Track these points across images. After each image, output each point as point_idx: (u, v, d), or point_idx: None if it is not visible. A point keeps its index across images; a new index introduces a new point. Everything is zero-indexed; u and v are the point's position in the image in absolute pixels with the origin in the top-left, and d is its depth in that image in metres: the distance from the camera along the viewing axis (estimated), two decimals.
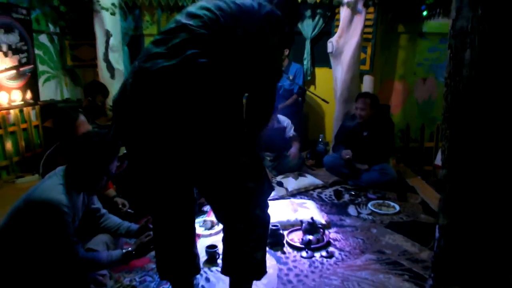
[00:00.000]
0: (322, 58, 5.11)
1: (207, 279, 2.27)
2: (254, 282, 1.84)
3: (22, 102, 4.38)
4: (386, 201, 3.40)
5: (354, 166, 3.88)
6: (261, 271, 1.80)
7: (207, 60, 1.49)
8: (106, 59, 4.61)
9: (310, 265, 2.42)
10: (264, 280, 2.01)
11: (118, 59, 4.72)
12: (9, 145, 4.25)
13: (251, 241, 1.70)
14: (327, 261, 2.47)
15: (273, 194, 3.49)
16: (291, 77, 4.65)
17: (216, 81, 1.50)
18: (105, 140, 1.88)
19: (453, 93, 1.51)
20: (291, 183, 3.77)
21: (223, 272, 1.80)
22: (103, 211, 2.24)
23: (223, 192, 1.65)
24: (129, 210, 2.63)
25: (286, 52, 4.72)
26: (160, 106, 1.48)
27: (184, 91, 1.47)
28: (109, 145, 1.89)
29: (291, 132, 4.16)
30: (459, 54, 1.48)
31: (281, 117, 4.18)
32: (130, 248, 1.99)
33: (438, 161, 3.96)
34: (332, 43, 4.41)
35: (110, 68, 4.65)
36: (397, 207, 3.28)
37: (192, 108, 1.47)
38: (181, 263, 1.85)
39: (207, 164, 1.58)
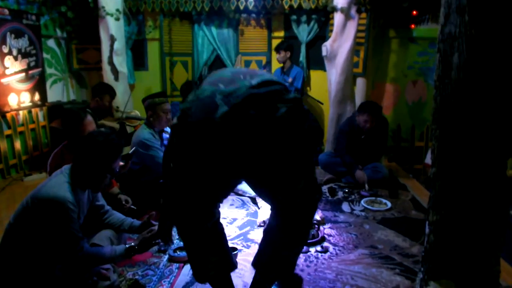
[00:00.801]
0: (317, 62, 5.10)
1: None
2: None
3: (31, 104, 4.37)
4: (378, 198, 3.40)
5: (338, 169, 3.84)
6: (291, 273, 1.83)
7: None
8: (111, 62, 4.59)
9: (305, 260, 2.42)
10: None
11: (122, 62, 4.70)
12: (18, 144, 4.25)
13: (293, 247, 1.76)
14: (322, 255, 2.47)
15: None
16: (290, 80, 4.64)
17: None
18: (109, 139, 1.88)
19: (442, 95, 1.51)
20: None
21: (254, 265, 1.83)
22: (107, 207, 2.23)
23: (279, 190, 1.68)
24: (132, 207, 2.62)
25: (288, 54, 4.72)
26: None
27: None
28: (113, 144, 1.88)
29: None
30: (447, 58, 1.48)
31: None
32: (133, 243, 1.98)
33: (428, 160, 3.97)
34: (326, 47, 4.40)
35: (114, 71, 4.64)
36: (389, 204, 3.28)
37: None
38: (220, 261, 1.82)
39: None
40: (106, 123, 3.70)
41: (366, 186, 3.62)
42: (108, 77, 4.63)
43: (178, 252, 2.46)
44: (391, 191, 3.54)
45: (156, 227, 2.06)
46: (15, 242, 1.76)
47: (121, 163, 2.31)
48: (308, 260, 2.42)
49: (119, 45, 4.61)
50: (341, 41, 4.33)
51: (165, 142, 3.25)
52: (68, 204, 1.73)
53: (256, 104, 1.54)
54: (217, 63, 5.44)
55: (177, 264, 2.37)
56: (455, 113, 1.48)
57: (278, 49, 4.72)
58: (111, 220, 2.20)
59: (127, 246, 1.96)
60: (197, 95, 1.64)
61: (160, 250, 2.51)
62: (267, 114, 1.54)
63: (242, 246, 2.58)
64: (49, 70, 4.76)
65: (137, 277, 2.24)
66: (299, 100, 1.62)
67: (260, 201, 3.20)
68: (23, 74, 4.23)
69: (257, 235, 2.74)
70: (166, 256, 2.46)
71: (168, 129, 3.37)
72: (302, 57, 5.16)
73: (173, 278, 2.23)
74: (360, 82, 4.76)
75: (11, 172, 4.20)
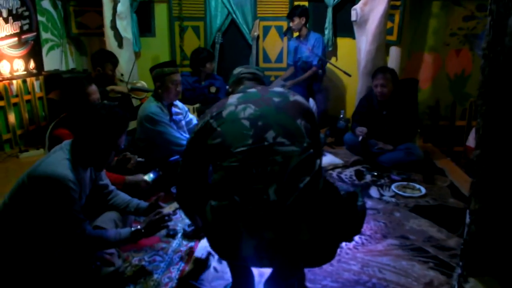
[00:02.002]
0: (345, 28, 5.01)
1: (220, 260, 2.30)
2: None
3: (25, 72, 4.42)
4: (411, 183, 3.38)
5: (368, 148, 3.85)
6: None
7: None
8: (113, 27, 4.59)
9: None
10: None
11: (126, 27, 4.70)
12: (12, 117, 4.30)
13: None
14: (346, 245, 2.48)
15: None
16: (309, 48, 4.58)
17: None
18: (113, 112, 1.88)
19: (492, 66, 1.46)
20: None
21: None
22: (111, 187, 2.26)
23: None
24: (139, 159, 2.66)
25: (303, 20, 4.65)
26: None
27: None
28: (118, 118, 1.89)
29: None
30: (501, 21, 1.42)
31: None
32: (139, 226, 2.01)
33: (470, 141, 3.92)
34: (356, 11, 4.32)
35: (118, 37, 4.65)
36: (423, 190, 3.26)
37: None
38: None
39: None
40: (116, 88, 3.74)
41: (360, 137, 3.72)
42: (110, 43, 4.64)
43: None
44: (426, 176, 3.51)
45: (164, 209, 2.09)
46: (11, 223, 1.81)
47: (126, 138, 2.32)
48: None
49: (122, 7, 4.60)
50: (373, 4, 4.23)
51: (175, 117, 3.27)
52: (69, 182, 1.76)
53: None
54: (232, 29, 5.40)
55: (188, 250, 2.41)
56: (507, 86, 1.43)
57: (291, 15, 4.65)
58: (115, 201, 2.24)
59: (133, 229, 2.00)
60: (227, 121, 1.71)
61: (169, 235, 2.56)
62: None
63: None
64: (45, 35, 4.78)
65: (143, 263, 2.29)
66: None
67: None
68: (15, 39, 4.26)
69: None
70: (175, 241, 2.51)
71: (178, 103, 3.39)
72: (328, 22, 5.07)
73: (182, 265, 2.28)
74: (394, 52, 4.67)
75: (5, 148, 4.28)
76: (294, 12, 4.65)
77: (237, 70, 2.09)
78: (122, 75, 4.11)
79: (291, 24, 4.69)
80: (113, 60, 3.79)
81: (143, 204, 2.25)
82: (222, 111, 1.76)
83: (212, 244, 1.71)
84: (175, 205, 2.37)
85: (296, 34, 4.81)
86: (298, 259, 1.63)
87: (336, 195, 1.72)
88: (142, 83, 4.32)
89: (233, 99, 1.81)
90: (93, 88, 2.55)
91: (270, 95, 1.82)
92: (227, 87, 2.10)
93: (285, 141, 1.64)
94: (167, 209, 2.18)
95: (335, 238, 1.69)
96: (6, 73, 4.20)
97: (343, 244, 2.47)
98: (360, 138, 3.75)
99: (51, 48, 4.90)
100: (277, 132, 1.66)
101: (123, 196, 2.28)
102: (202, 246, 2.41)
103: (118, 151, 1.96)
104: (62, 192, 1.75)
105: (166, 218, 2.06)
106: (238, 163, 1.62)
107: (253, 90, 1.87)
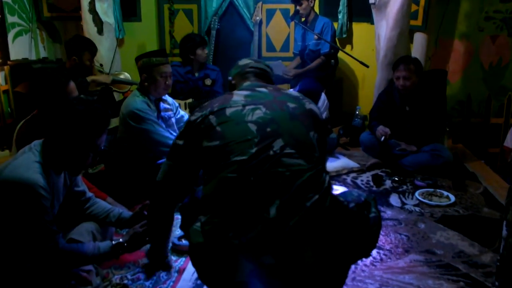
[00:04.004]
0: (362, 11, 5.03)
1: None
2: None
3: None
4: (438, 190, 3.38)
5: (388, 149, 3.87)
6: None
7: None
8: (92, 10, 4.62)
9: None
10: None
11: (106, 10, 4.73)
12: None
13: None
14: (362, 261, 2.48)
15: None
16: (317, 35, 4.60)
17: None
18: (93, 108, 1.88)
19: None
20: None
21: None
22: (89, 194, 2.27)
23: None
24: None
25: (311, 3, 4.68)
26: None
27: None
28: (98, 115, 1.89)
29: (323, 115, 3.99)
30: None
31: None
32: (121, 240, 2.02)
33: (508, 142, 3.92)
34: None
35: (97, 21, 4.67)
36: (452, 198, 3.26)
37: None
38: None
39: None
40: (99, 79, 3.75)
41: (383, 138, 3.72)
42: (89, 29, 4.67)
43: (184, 241, 2.52)
44: (456, 182, 3.52)
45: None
46: None
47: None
48: None
49: None
50: None
51: (163, 114, 3.29)
52: (39, 189, 1.75)
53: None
54: (230, 12, 5.42)
55: (177, 267, 2.42)
56: None
57: (298, 0, 4.67)
58: (94, 210, 2.25)
59: (113, 242, 2.00)
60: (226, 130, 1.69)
61: None
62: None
63: None
64: (11, 19, 4.79)
65: (125, 281, 2.29)
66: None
67: None
68: None
69: None
70: None
71: (167, 98, 3.41)
72: (342, 5, 5.10)
73: (171, 283, 2.29)
74: (419, 38, 4.69)
75: None
76: None
77: (244, 62, 2.09)
78: (101, 65, 4.13)
79: (298, 8, 4.71)
80: (92, 49, 3.81)
81: (126, 214, 2.26)
82: (226, 107, 1.73)
83: (201, 272, 1.69)
84: None
85: (303, 19, 4.83)
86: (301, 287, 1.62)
87: (345, 211, 1.72)
88: (126, 75, 4.35)
89: (239, 96, 1.79)
90: (72, 85, 2.57)
91: (284, 98, 1.81)
92: (230, 77, 2.09)
93: (293, 153, 1.63)
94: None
95: (345, 260, 1.70)
96: None
97: (359, 260, 2.47)
98: (383, 139, 3.76)
99: (18, 34, 4.91)
100: (287, 142, 1.65)
101: (103, 205, 2.28)
102: (187, 278, 2.36)
103: (97, 152, 1.96)
104: (32, 200, 1.75)
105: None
106: (236, 174, 1.60)
107: (263, 89, 1.86)
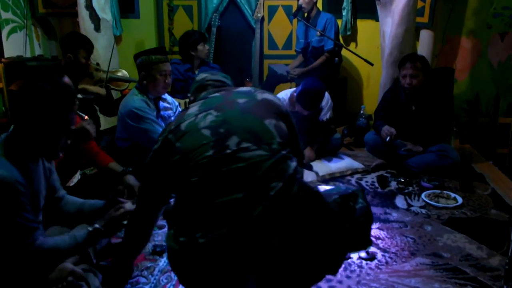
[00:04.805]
0: (366, 8, 5.07)
1: None
2: None
3: None
4: (445, 191, 3.39)
5: (394, 150, 3.88)
6: None
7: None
8: (89, 6, 4.63)
9: (345, 269, 2.44)
10: None
11: (104, 6, 4.74)
12: None
13: None
14: (366, 264, 2.49)
15: None
16: (320, 31, 4.61)
17: None
18: (60, 86, 1.87)
19: None
20: (322, 165, 3.80)
21: None
22: (62, 192, 2.26)
23: None
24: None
25: None
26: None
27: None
28: (66, 92, 1.88)
29: (326, 115, 4.00)
30: None
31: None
32: (97, 225, 2.01)
33: None
34: None
35: (94, 18, 4.68)
36: (460, 199, 3.27)
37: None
38: None
39: None
40: (89, 88, 3.75)
41: (388, 138, 3.72)
42: (86, 26, 4.68)
43: None
44: (463, 183, 3.52)
45: (126, 204, 2.13)
46: None
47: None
48: (349, 269, 2.44)
49: None
50: None
51: (163, 113, 3.31)
52: (16, 184, 1.74)
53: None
54: (231, 9, 5.44)
55: None
56: None
57: None
58: (66, 207, 2.24)
59: (90, 229, 2.00)
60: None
61: (156, 252, 2.58)
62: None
63: None
64: (5, 15, 4.79)
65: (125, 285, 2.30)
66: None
67: None
68: None
69: None
70: (163, 260, 2.53)
71: (166, 97, 3.42)
72: (347, 2, 5.11)
73: (171, 287, 2.30)
74: (426, 36, 4.71)
75: None
76: None
77: (201, 76, 2.14)
78: (98, 64, 4.13)
79: (301, 2, 4.72)
80: (88, 47, 3.80)
81: (99, 203, 2.25)
82: (181, 123, 1.80)
83: (180, 277, 1.74)
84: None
85: (305, 14, 4.84)
86: (275, 280, 1.64)
87: (316, 197, 1.73)
88: (123, 72, 4.35)
89: (193, 108, 1.86)
90: (67, 81, 2.57)
91: (234, 96, 1.88)
92: (188, 95, 2.14)
93: (250, 146, 1.68)
94: (130, 204, 2.19)
95: (325, 250, 1.69)
96: None
97: (364, 263, 2.49)
98: (388, 139, 3.77)
99: (12, 31, 4.91)
100: (242, 137, 1.70)
101: (73, 200, 2.26)
102: None
103: (70, 133, 1.94)
104: (8, 198, 1.73)
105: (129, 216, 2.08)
106: (197, 178, 1.66)
107: (216, 94, 1.93)
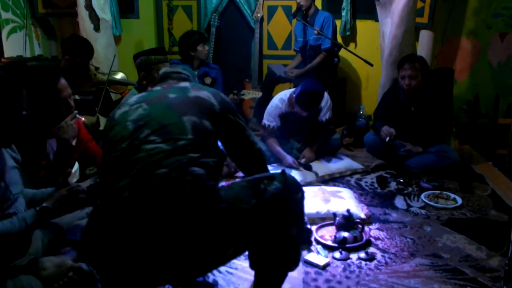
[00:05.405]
0: (366, 8, 5.05)
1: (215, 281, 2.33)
2: None
3: None
4: (445, 192, 3.39)
5: (393, 150, 3.88)
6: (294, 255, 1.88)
7: None
8: (89, 6, 4.63)
9: (344, 269, 2.45)
10: (287, 285, 2.04)
11: (103, 6, 4.74)
12: None
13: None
14: (366, 264, 2.49)
15: (299, 179, 3.52)
16: (317, 30, 4.60)
17: None
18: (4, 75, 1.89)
19: None
20: (322, 166, 3.80)
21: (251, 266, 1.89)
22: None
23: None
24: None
25: None
26: None
27: None
28: (6, 82, 1.88)
29: (326, 115, 3.97)
30: None
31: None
32: (44, 204, 1.99)
33: None
34: None
35: (94, 18, 4.68)
36: (459, 200, 3.27)
37: None
38: None
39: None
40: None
41: (387, 138, 3.72)
42: (85, 26, 4.68)
43: None
44: (463, 184, 3.52)
45: (78, 185, 2.12)
46: None
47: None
48: (348, 270, 2.44)
49: None
50: None
51: None
52: None
53: None
54: (231, 9, 5.44)
55: None
56: None
57: None
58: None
59: (37, 208, 1.98)
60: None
61: None
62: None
63: None
64: (5, 15, 4.80)
65: None
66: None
67: None
68: None
69: None
70: None
71: None
72: (346, 2, 5.11)
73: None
74: (425, 36, 4.70)
75: None
76: None
77: (162, 70, 2.24)
78: (97, 68, 4.10)
79: (299, 0, 4.71)
80: (88, 51, 3.73)
81: (50, 190, 2.22)
82: (116, 111, 1.90)
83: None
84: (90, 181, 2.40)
85: (304, 12, 4.83)
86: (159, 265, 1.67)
87: (200, 184, 1.71)
88: (122, 75, 4.34)
89: (133, 98, 1.95)
90: (63, 82, 2.57)
91: (169, 91, 1.95)
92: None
93: (156, 139, 1.75)
94: (83, 184, 2.19)
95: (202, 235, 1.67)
96: None
97: (363, 264, 2.49)
98: (387, 139, 3.76)
99: (12, 31, 4.92)
100: (153, 130, 1.77)
101: (25, 192, 2.20)
102: None
103: (20, 117, 1.95)
104: None
105: (81, 196, 2.08)
106: (108, 169, 1.81)
107: (157, 88, 2.03)
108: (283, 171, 1.86)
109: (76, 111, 2.71)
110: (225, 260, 1.80)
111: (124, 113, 1.87)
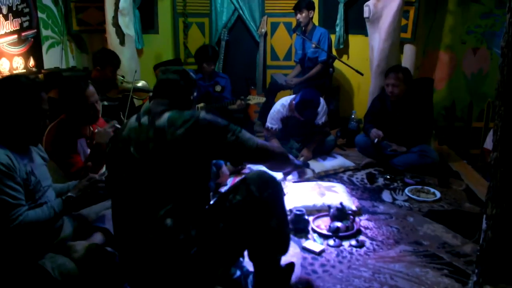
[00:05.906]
0: (357, 24, 5.03)
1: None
2: None
3: (25, 70, 4.46)
4: (426, 187, 3.37)
5: (382, 151, 3.86)
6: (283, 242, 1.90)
7: None
8: (115, 24, 4.63)
9: (337, 255, 2.45)
10: None
11: (128, 24, 4.73)
12: None
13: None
14: (356, 251, 2.50)
15: (298, 176, 3.52)
16: (315, 44, 4.59)
17: None
18: (30, 80, 1.92)
19: (511, 65, 1.48)
20: (318, 164, 3.78)
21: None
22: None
23: None
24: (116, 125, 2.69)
25: (311, 14, 4.68)
26: None
27: None
28: (21, 87, 1.90)
29: (322, 119, 3.93)
30: None
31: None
32: (69, 194, 2.01)
33: (488, 144, 3.91)
34: (369, 7, 4.32)
35: (120, 34, 4.68)
36: (438, 194, 3.26)
37: None
38: None
39: None
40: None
41: (376, 140, 3.72)
42: (112, 40, 4.68)
43: None
44: (441, 179, 3.51)
45: (97, 176, 2.11)
46: None
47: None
48: (341, 256, 2.45)
49: (125, 3, 4.63)
50: (387, 0, 4.23)
51: None
52: None
53: None
54: (238, 25, 5.43)
55: None
56: None
57: (299, 7, 4.66)
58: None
59: (63, 197, 1.99)
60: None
61: None
62: None
63: None
64: (45, 32, 4.83)
65: None
66: None
67: None
68: (15, 36, 4.30)
69: None
70: None
71: None
72: (340, 19, 5.09)
73: None
74: (409, 50, 4.67)
75: None
76: (301, 3, 4.66)
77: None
78: (123, 77, 4.11)
79: (298, 17, 4.69)
80: (115, 62, 3.78)
81: (74, 182, 2.22)
82: (123, 129, 1.88)
83: None
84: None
85: (303, 28, 4.82)
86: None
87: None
88: (144, 83, 4.34)
89: (126, 130, 1.88)
90: (91, 90, 2.60)
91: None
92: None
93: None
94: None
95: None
96: (6, 71, 4.23)
97: (354, 250, 2.49)
98: (376, 140, 3.75)
99: (51, 46, 4.94)
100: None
101: (55, 185, 2.22)
102: None
103: (46, 116, 1.97)
104: None
105: (101, 185, 2.07)
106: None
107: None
108: (244, 178, 1.82)
109: (115, 121, 2.73)
110: (218, 277, 1.81)
111: (130, 129, 1.84)
